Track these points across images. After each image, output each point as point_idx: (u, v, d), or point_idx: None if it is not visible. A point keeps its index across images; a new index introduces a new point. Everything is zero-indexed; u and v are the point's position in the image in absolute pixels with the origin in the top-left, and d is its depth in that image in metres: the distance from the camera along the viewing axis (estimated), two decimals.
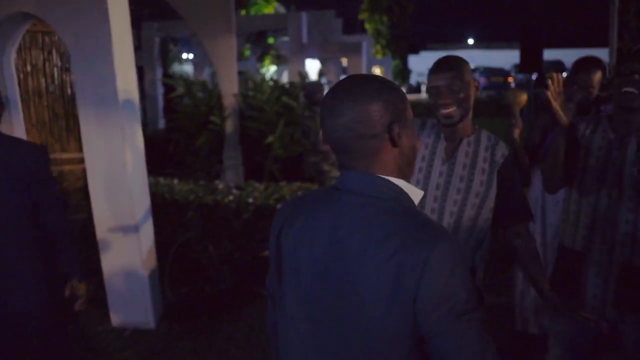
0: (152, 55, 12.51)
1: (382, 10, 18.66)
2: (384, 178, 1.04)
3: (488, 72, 21.71)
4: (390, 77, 16.52)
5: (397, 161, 1.06)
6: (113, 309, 3.58)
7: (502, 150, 1.84)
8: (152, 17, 11.83)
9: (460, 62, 1.81)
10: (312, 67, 13.38)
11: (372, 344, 0.99)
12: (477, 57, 27.08)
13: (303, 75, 6.58)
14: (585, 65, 2.58)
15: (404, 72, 19.12)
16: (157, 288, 3.67)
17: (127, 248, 3.49)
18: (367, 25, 18.94)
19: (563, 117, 1.88)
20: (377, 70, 18.18)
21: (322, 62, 12.20)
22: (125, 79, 3.32)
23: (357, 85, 1.04)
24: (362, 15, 18.89)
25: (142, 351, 3.27)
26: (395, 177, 1.06)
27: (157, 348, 3.30)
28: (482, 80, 19.55)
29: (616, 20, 6.54)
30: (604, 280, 1.92)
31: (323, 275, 1.04)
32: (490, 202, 1.82)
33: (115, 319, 3.58)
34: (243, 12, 19.53)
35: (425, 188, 1.85)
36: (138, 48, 14.24)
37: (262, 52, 13.04)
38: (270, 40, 14.57)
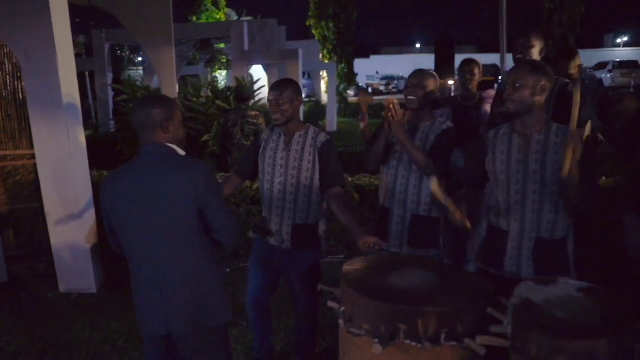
0: (102, 61, 13.01)
1: (328, 17, 19.54)
2: (165, 144, 1.99)
3: None
4: (335, 81, 17.37)
5: (170, 139, 1.99)
6: (61, 279, 4.27)
7: (322, 138, 2.76)
8: (102, 25, 12.34)
9: (286, 84, 2.73)
10: (259, 73, 14.12)
11: (175, 217, 1.94)
12: (423, 60, 28.25)
13: (240, 80, 7.31)
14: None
15: (349, 76, 20.07)
16: (99, 261, 4.37)
17: (72, 228, 4.18)
18: (314, 32, 19.78)
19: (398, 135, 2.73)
20: (324, 74, 19.06)
21: (265, 68, 12.93)
22: (69, 85, 4.01)
23: (148, 99, 2.09)
24: (309, 22, 19.75)
25: (86, 310, 3.97)
26: (171, 144, 2.01)
27: (99, 307, 4.01)
28: None
29: (505, 28, 7.51)
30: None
31: (146, 196, 1.93)
32: (317, 174, 2.72)
33: (63, 287, 4.27)
34: (194, 19, 20.13)
35: (273, 166, 2.77)
36: (89, 54, 14.70)
37: (210, 58, 13.70)
38: (221, 45, 15.25)
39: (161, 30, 7.11)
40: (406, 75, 29.62)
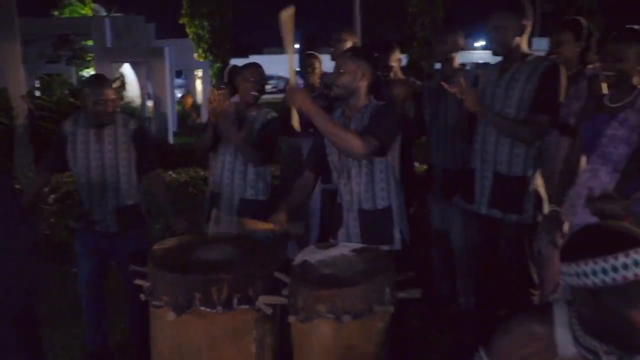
0: None
1: (202, 15, 19.29)
2: None
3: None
4: (210, 80, 17.23)
5: None
6: None
7: (134, 125, 2.93)
8: None
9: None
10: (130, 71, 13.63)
11: None
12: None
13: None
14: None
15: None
16: None
17: None
18: (187, 30, 19.42)
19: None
20: (200, 73, 18.80)
21: (132, 66, 12.53)
22: None
23: None
24: (183, 20, 19.37)
25: None
26: None
27: None
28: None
29: (359, 28, 8.02)
30: None
31: None
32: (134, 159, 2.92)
33: None
34: (57, 13, 18.84)
35: (87, 158, 2.89)
36: None
37: (71, 56, 12.96)
38: (89, 42, 14.45)
39: (3, 25, 6.68)
40: (286, 75, 30.12)
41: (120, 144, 2.86)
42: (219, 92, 2.95)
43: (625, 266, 1.19)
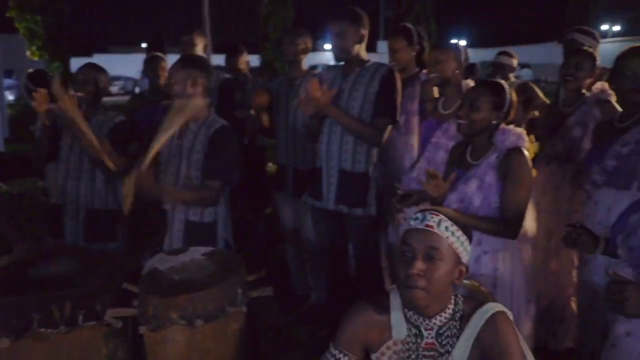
0: None
1: (34, 9, 17.53)
2: None
3: None
4: None
5: None
6: None
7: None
8: None
9: None
10: None
11: None
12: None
13: None
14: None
15: (65, 75, 18.43)
16: None
17: None
18: (17, 25, 17.53)
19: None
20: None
21: None
22: None
23: None
24: (11, 13, 17.42)
25: None
26: None
27: None
28: None
29: (209, 29, 7.94)
30: None
31: None
32: None
33: None
34: None
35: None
36: None
37: None
38: None
39: None
40: (134, 76, 28.53)
41: None
42: (39, 93, 2.70)
43: None
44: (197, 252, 2.07)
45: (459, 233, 1.45)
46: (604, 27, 28.61)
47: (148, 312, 1.75)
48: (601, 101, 2.72)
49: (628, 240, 1.63)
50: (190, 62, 2.50)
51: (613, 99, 2.66)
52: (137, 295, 1.84)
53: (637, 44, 2.23)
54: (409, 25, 3.30)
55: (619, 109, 2.50)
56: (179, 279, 1.85)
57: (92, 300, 1.88)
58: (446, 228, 1.43)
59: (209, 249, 2.11)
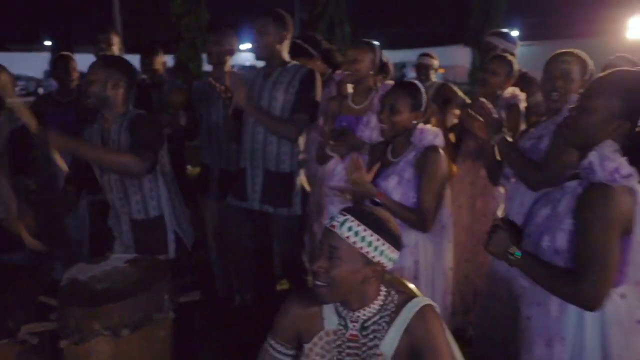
0: None
1: None
2: None
3: None
4: None
5: None
6: None
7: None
8: None
9: None
10: None
11: None
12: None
13: None
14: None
15: None
16: None
17: None
18: None
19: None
20: None
21: None
22: None
23: None
24: None
25: None
26: None
27: None
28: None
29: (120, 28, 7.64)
30: None
31: None
32: None
33: None
34: None
35: None
36: None
37: None
38: None
39: None
40: (37, 75, 26.81)
41: None
42: None
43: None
44: (119, 260, 2.00)
45: (367, 233, 1.46)
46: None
47: (69, 324, 1.67)
48: (509, 105, 2.93)
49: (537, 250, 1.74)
50: (113, 62, 2.39)
51: (522, 104, 2.91)
52: (56, 308, 1.75)
53: (536, 48, 2.43)
54: (312, 34, 3.39)
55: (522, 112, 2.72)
56: (102, 288, 1.78)
57: (3, 317, 1.77)
58: (349, 229, 1.46)
59: (132, 255, 2.04)
